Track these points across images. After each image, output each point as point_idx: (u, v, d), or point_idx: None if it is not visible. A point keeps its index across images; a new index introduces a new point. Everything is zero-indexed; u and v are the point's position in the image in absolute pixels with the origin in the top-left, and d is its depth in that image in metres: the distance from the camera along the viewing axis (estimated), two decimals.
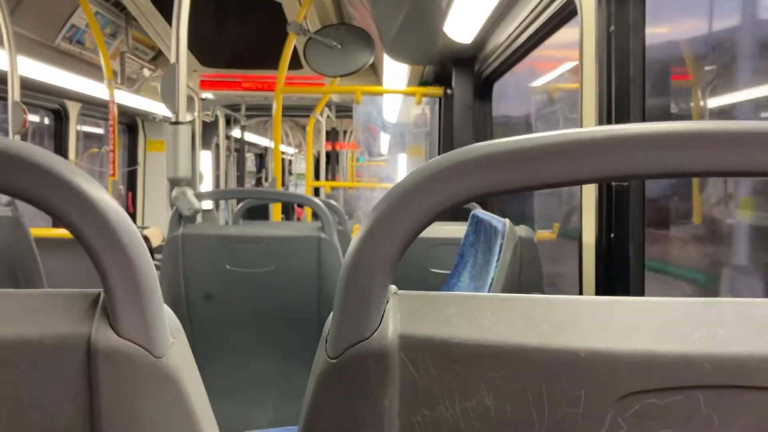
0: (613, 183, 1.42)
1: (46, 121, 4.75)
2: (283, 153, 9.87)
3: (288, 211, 6.87)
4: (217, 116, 5.77)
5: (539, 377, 0.45)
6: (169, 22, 2.28)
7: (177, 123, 2.04)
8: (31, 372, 0.46)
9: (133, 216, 5.89)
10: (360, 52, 3.29)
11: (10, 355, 0.46)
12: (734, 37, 2.11)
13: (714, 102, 2.24)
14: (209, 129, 5.84)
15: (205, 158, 6.07)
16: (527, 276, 1.56)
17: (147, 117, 5.74)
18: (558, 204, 3.32)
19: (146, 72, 4.78)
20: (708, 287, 2.25)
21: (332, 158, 9.60)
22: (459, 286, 1.85)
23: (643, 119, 1.45)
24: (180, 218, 2.08)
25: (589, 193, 1.48)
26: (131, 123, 5.82)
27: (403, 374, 0.45)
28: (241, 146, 6.78)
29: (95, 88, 4.34)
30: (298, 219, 6.89)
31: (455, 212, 2.88)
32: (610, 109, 1.44)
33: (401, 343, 0.45)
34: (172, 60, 2.04)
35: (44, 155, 0.45)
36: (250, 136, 8.60)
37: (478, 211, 1.90)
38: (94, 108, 4.77)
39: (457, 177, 0.44)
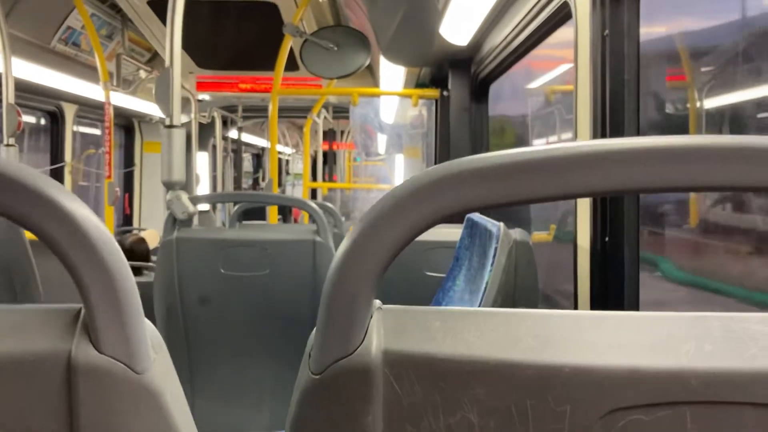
0: None
1: (42, 122, 4.74)
2: (280, 153, 9.87)
3: (285, 212, 6.87)
4: (213, 117, 5.77)
5: (524, 393, 0.44)
6: (165, 24, 2.27)
7: (171, 126, 2.04)
8: (10, 389, 0.45)
9: (129, 218, 5.88)
10: (356, 53, 3.29)
11: None
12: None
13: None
14: (206, 130, 5.83)
15: (202, 160, 6.06)
16: (522, 279, 1.56)
17: (143, 118, 5.73)
18: (554, 205, 3.32)
19: (142, 74, 4.77)
20: None
21: (329, 159, 9.60)
22: (454, 289, 1.84)
23: (638, 123, 1.45)
24: (174, 222, 2.08)
25: (584, 198, 1.48)
26: (128, 124, 5.81)
27: (386, 390, 0.45)
28: (238, 147, 6.77)
29: (91, 90, 4.33)
30: (295, 220, 6.89)
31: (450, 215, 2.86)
32: (605, 113, 1.44)
33: (385, 359, 0.45)
34: (167, 63, 2.03)
35: (22, 170, 0.44)
36: (247, 137, 8.59)
37: (473, 215, 1.90)
38: (90, 110, 4.76)
39: (444, 191, 0.44)
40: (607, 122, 1.44)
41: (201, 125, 5.38)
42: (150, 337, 0.49)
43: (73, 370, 0.45)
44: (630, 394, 0.44)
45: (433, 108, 3.57)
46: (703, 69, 2.37)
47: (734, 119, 2.16)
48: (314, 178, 7.02)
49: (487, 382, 0.44)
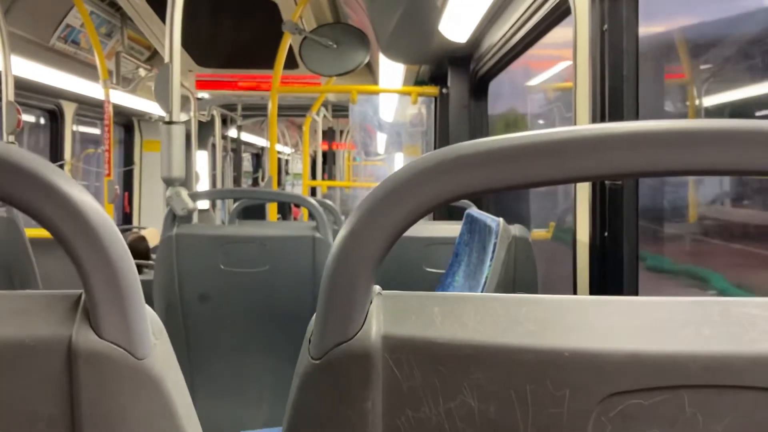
0: (607, 182, 1.42)
1: (42, 121, 4.74)
2: (279, 153, 9.87)
3: (284, 211, 6.86)
4: (213, 116, 5.77)
5: (523, 377, 0.44)
6: (164, 22, 2.27)
7: (171, 123, 2.04)
8: (10, 374, 0.46)
9: (129, 216, 5.88)
10: (355, 51, 3.28)
11: None
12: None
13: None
14: (205, 129, 5.83)
15: (202, 158, 6.06)
16: (522, 275, 1.56)
17: (143, 117, 5.73)
18: (553, 203, 3.32)
19: (142, 72, 4.77)
20: None
21: (329, 158, 9.60)
22: (454, 285, 1.84)
23: (637, 117, 1.45)
24: (174, 218, 2.08)
25: (584, 192, 1.48)
26: (127, 123, 5.81)
27: (386, 375, 0.45)
28: (237, 146, 6.77)
29: (91, 88, 4.33)
30: (295, 218, 6.89)
31: (450, 211, 2.88)
32: (604, 108, 1.44)
33: (384, 344, 0.45)
34: (166, 59, 2.03)
35: (24, 156, 0.44)
36: (246, 136, 8.58)
37: (473, 210, 1.90)
38: (89, 108, 4.76)
39: (442, 176, 0.44)
40: (607, 118, 1.44)
41: (200, 124, 5.38)
42: (151, 322, 0.49)
43: (73, 355, 0.45)
44: (629, 378, 0.44)
45: (433, 106, 3.57)
46: (702, 67, 2.37)
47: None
48: (313, 177, 7.03)
49: (487, 366, 0.44)
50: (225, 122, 6.33)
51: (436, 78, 3.52)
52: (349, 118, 6.68)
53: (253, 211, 4.16)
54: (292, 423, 0.48)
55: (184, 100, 4.44)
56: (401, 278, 2.11)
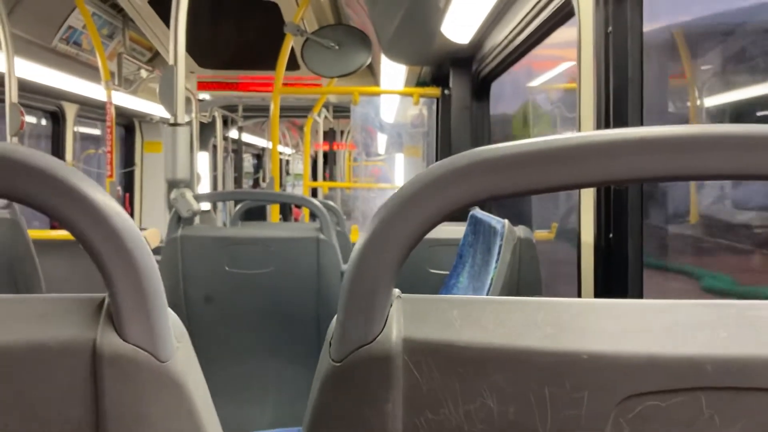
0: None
1: (43, 122, 4.74)
2: (280, 153, 9.87)
3: (286, 212, 6.87)
4: (214, 117, 5.77)
5: (542, 379, 0.45)
6: (166, 24, 2.27)
7: (175, 125, 2.04)
8: (37, 376, 0.46)
9: (130, 217, 5.87)
10: (357, 52, 3.29)
11: (16, 360, 0.46)
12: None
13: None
14: (206, 130, 5.83)
15: (203, 159, 6.07)
16: (526, 276, 1.57)
17: (144, 118, 5.73)
18: (555, 204, 3.33)
19: (143, 73, 4.78)
20: None
21: (329, 158, 9.60)
22: (458, 286, 1.85)
23: (641, 120, 1.45)
24: (179, 220, 2.08)
25: (588, 194, 1.49)
26: (128, 124, 5.81)
27: (406, 377, 0.45)
28: (238, 147, 6.77)
29: (92, 90, 4.34)
30: (296, 220, 6.89)
31: (456, 212, 2.86)
32: (608, 110, 1.45)
33: (405, 347, 0.46)
34: (171, 62, 2.04)
35: (50, 161, 0.45)
36: (247, 137, 8.59)
37: (477, 212, 1.91)
38: (91, 109, 4.76)
39: (459, 181, 0.44)
40: (611, 120, 1.44)
41: (201, 125, 5.38)
42: (173, 325, 0.50)
43: (98, 357, 0.46)
44: (646, 380, 0.44)
45: (434, 107, 3.57)
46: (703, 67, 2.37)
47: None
48: (314, 178, 7.02)
49: (506, 369, 0.45)
50: (226, 123, 6.34)
51: (438, 79, 3.53)
52: (351, 119, 6.69)
53: (255, 212, 4.17)
54: (313, 423, 0.49)
55: (186, 102, 4.44)
56: (405, 279, 2.11)
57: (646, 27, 1.45)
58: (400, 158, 7.17)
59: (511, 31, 2.28)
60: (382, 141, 8.33)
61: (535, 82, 3.87)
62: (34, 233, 2.47)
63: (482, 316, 0.47)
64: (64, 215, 0.45)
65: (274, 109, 3.53)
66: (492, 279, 1.48)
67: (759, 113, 2.07)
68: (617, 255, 1.44)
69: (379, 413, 0.46)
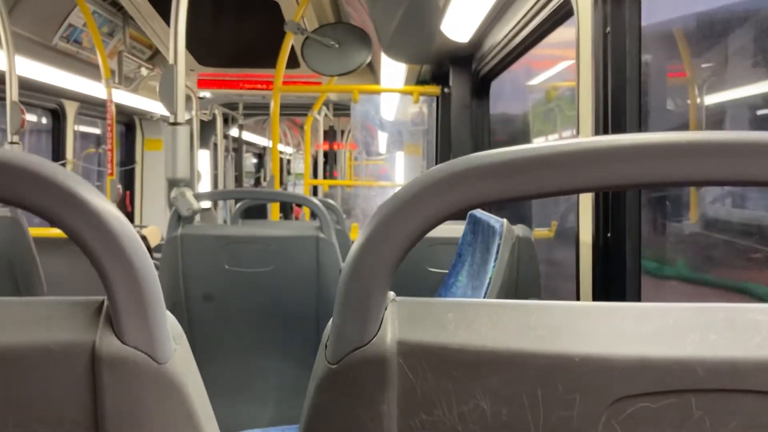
0: None
1: (44, 120, 4.75)
2: (281, 153, 9.87)
3: (286, 210, 6.87)
4: (214, 115, 5.77)
5: (535, 381, 0.45)
6: (166, 22, 2.27)
7: (175, 123, 2.05)
8: (37, 378, 0.47)
9: (130, 215, 5.89)
10: (357, 51, 3.29)
11: (16, 362, 0.47)
12: None
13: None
14: (207, 128, 5.84)
15: (203, 157, 6.08)
16: (524, 275, 1.57)
17: (144, 116, 5.74)
18: (555, 203, 3.33)
19: (144, 71, 4.78)
20: None
21: (330, 157, 9.60)
22: (457, 285, 1.85)
23: (640, 120, 1.46)
24: (179, 218, 2.09)
25: (586, 194, 1.49)
26: (129, 122, 5.82)
27: (401, 379, 0.46)
28: (239, 145, 6.78)
29: (93, 88, 4.34)
30: (296, 218, 6.89)
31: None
32: (607, 110, 1.45)
33: (399, 349, 0.46)
34: (171, 61, 2.04)
35: (48, 166, 0.46)
36: (248, 136, 8.59)
37: (476, 211, 1.91)
38: (91, 107, 4.77)
39: (456, 186, 0.45)
40: (609, 119, 1.45)
41: (202, 123, 5.39)
42: (171, 327, 0.51)
43: (97, 360, 0.47)
44: (637, 382, 0.45)
45: (434, 105, 3.58)
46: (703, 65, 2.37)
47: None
48: (315, 177, 7.03)
49: (499, 371, 0.46)
50: (227, 121, 6.34)
51: (438, 77, 3.53)
52: (351, 117, 6.69)
53: (255, 211, 4.17)
54: (309, 424, 0.49)
55: (186, 100, 4.44)
56: (404, 279, 2.11)
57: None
58: (400, 156, 7.18)
59: (510, 30, 2.28)
60: (382, 139, 8.34)
61: (535, 81, 3.87)
62: (34, 231, 2.47)
63: (476, 319, 0.48)
64: (63, 220, 0.46)
65: (275, 107, 3.53)
66: (490, 278, 1.49)
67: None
68: (615, 254, 1.44)
69: (374, 415, 0.46)
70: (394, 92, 4.44)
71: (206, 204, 2.43)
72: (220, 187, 6.40)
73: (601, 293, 1.47)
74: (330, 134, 8.24)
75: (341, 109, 6.05)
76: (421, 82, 3.89)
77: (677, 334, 0.47)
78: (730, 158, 0.43)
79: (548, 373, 0.45)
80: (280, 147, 9.18)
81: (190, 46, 2.21)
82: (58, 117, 4.54)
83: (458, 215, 0.47)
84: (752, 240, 1.99)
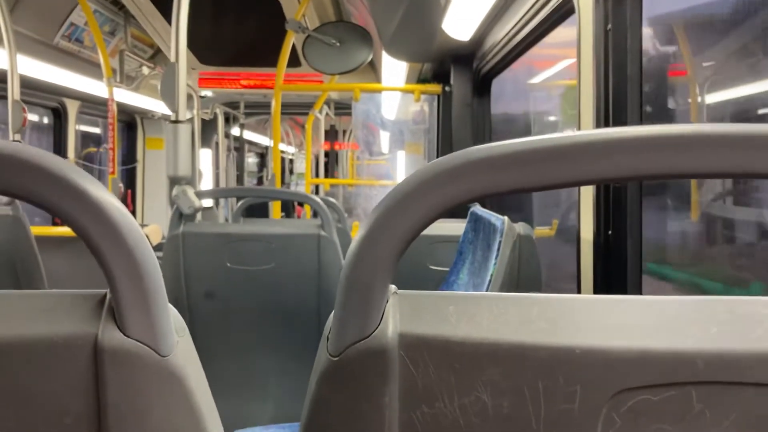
0: None
1: (45, 120, 4.75)
2: (283, 152, 9.87)
3: (288, 209, 6.87)
4: (216, 114, 5.78)
5: (536, 374, 0.46)
6: (168, 20, 2.27)
7: (177, 122, 2.05)
8: (39, 371, 0.47)
9: (132, 214, 5.88)
10: (359, 49, 3.29)
11: (19, 354, 0.47)
12: None
13: None
14: (208, 127, 5.84)
15: (205, 156, 6.08)
16: (526, 272, 1.58)
17: (146, 115, 5.74)
18: (556, 201, 3.33)
19: (145, 70, 4.79)
20: None
21: (331, 156, 9.60)
22: (458, 283, 1.86)
23: (641, 117, 1.46)
24: (180, 217, 2.09)
25: (587, 191, 1.49)
26: (130, 120, 5.83)
27: (402, 372, 0.46)
28: (240, 144, 6.78)
29: (94, 86, 4.35)
30: (298, 217, 6.90)
31: (454, 209, 2.87)
32: (608, 108, 1.45)
33: (401, 342, 0.46)
34: (172, 59, 2.05)
35: (51, 159, 0.46)
36: (251, 136, 8.60)
37: (477, 209, 1.91)
38: (93, 106, 4.77)
39: (457, 179, 0.45)
40: (611, 117, 1.45)
41: (203, 122, 5.39)
42: (174, 320, 0.51)
43: (99, 352, 0.47)
44: (638, 375, 0.45)
45: (435, 103, 3.57)
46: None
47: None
48: (317, 176, 7.03)
49: (500, 363, 0.46)
50: (228, 120, 6.34)
51: (439, 76, 3.53)
52: (353, 116, 6.69)
53: (257, 209, 4.17)
54: (311, 417, 0.50)
55: (188, 98, 4.44)
56: (405, 276, 2.12)
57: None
58: (401, 155, 7.18)
59: (512, 29, 2.28)
60: (384, 138, 8.34)
61: (536, 80, 3.87)
62: (36, 230, 2.48)
63: (477, 312, 0.48)
64: (66, 212, 0.46)
65: (276, 106, 3.54)
66: (492, 276, 1.49)
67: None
68: (616, 251, 1.44)
69: (375, 407, 0.47)
70: (395, 91, 4.44)
71: (208, 202, 2.44)
72: (222, 186, 6.40)
73: (602, 291, 1.47)
74: (331, 134, 8.24)
75: (342, 107, 6.05)
76: (422, 80, 3.89)
77: (678, 326, 0.47)
78: (734, 150, 0.43)
79: (549, 365, 0.45)
80: (283, 147, 9.18)
81: (191, 45, 2.21)
82: (59, 116, 4.55)
83: (459, 208, 0.48)
84: None
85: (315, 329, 2.11)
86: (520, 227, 1.58)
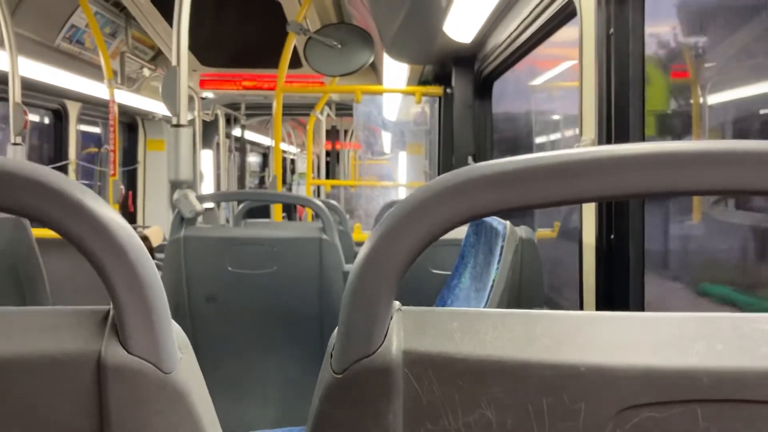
0: None
1: (46, 120, 4.75)
2: (285, 152, 9.86)
3: (290, 210, 6.87)
4: (217, 115, 5.78)
5: (540, 391, 0.45)
6: (168, 22, 2.27)
7: (178, 125, 2.05)
8: (43, 387, 0.47)
9: (133, 215, 5.89)
10: (360, 51, 3.29)
11: (22, 371, 0.47)
12: None
13: None
14: (210, 128, 5.84)
15: (206, 157, 6.08)
16: (528, 276, 1.57)
17: (147, 116, 5.74)
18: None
19: (146, 71, 4.78)
20: None
21: (332, 157, 9.60)
22: (460, 287, 1.85)
23: (643, 121, 1.45)
24: (182, 220, 2.09)
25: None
26: (131, 122, 5.83)
27: (407, 389, 0.46)
28: (241, 145, 6.78)
29: (95, 88, 4.35)
30: (300, 218, 6.89)
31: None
32: (610, 111, 1.45)
33: (405, 359, 0.46)
34: (173, 62, 2.04)
35: (51, 176, 0.45)
36: (253, 136, 8.60)
37: None
38: (94, 108, 4.77)
39: (460, 196, 0.45)
40: (612, 120, 1.45)
41: (204, 123, 5.39)
42: (176, 336, 0.51)
43: (102, 369, 0.47)
44: (643, 392, 0.45)
45: (436, 105, 3.57)
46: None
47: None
48: (318, 176, 7.03)
49: (505, 381, 0.45)
50: (229, 122, 6.34)
51: (440, 78, 3.53)
52: (354, 118, 6.69)
53: (258, 211, 4.17)
54: None
55: (189, 100, 4.44)
56: (406, 281, 2.11)
57: None
58: (402, 156, 7.18)
59: (513, 31, 2.28)
60: (387, 140, 8.34)
61: (537, 81, 3.87)
62: (37, 232, 2.48)
63: (481, 328, 0.48)
64: (68, 229, 0.46)
65: (277, 108, 3.54)
66: (494, 280, 1.48)
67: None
68: (618, 256, 1.44)
69: (379, 424, 0.46)
70: (396, 92, 4.44)
71: (209, 204, 2.44)
72: (223, 186, 6.40)
73: (604, 296, 1.47)
74: (332, 134, 8.25)
75: (344, 109, 6.05)
76: (423, 82, 3.89)
77: (683, 343, 0.46)
78: (736, 167, 0.43)
79: (554, 382, 0.45)
80: (285, 147, 9.18)
81: (192, 47, 2.21)
82: (60, 117, 4.55)
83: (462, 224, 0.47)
84: None
85: (317, 332, 2.10)
86: (522, 231, 1.57)
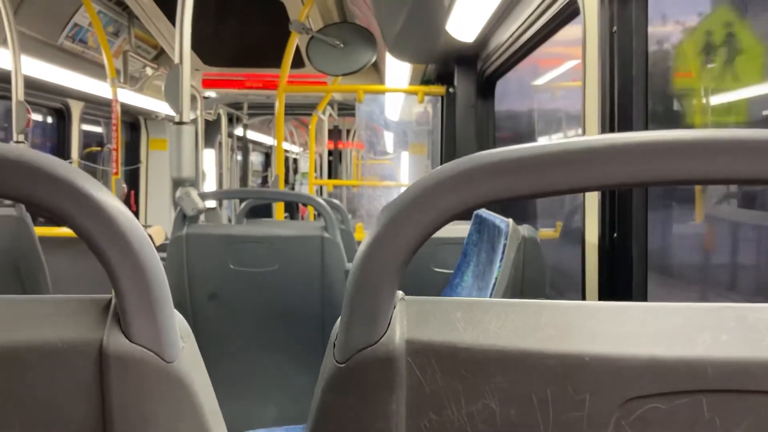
0: None
1: (49, 119, 4.76)
2: (288, 152, 9.86)
3: (292, 209, 6.87)
4: (219, 115, 5.78)
5: (544, 381, 0.45)
6: (171, 21, 2.27)
7: (180, 123, 2.05)
8: (45, 376, 0.47)
9: (135, 214, 5.88)
10: (362, 50, 3.29)
11: (24, 360, 0.47)
12: None
13: None
14: (212, 127, 5.84)
15: (209, 157, 6.08)
16: (530, 275, 1.57)
17: (149, 115, 5.75)
18: (560, 202, 3.32)
19: (149, 70, 4.79)
20: None
21: (335, 156, 9.58)
22: (462, 285, 1.85)
23: (646, 120, 1.45)
24: (184, 218, 2.09)
25: (592, 194, 1.49)
26: (134, 121, 5.83)
27: (410, 379, 0.46)
28: (243, 144, 6.78)
29: (98, 87, 4.35)
30: (302, 217, 6.89)
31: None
32: (613, 109, 1.45)
33: (408, 348, 0.46)
34: (176, 61, 2.04)
35: (56, 163, 0.45)
36: (256, 135, 8.60)
37: (481, 211, 1.91)
38: (96, 106, 4.78)
39: (463, 184, 0.45)
40: (616, 119, 1.44)
41: (207, 122, 5.39)
42: (179, 326, 0.50)
43: (104, 358, 0.47)
44: (648, 382, 0.45)
45: (438, 105, 3.57)
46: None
47: None
48: (321, 176, 7.03)
49: (509, 370, 0.45)
50: (231, 121, 6.35)
51: (443, 77, 3.52)
52: (356, 117, 6.69)
53: (260, 210, 4.17)
54: (317, 424, 0.49)
55: (191, 99, 4.44)
56: (409, 279, 2.11)
57: None
58: (405, 156, 7.18)
59: (516, 30, 2.28)
60: (389, 139, 8.34)
61: (540, 81, 3.87)
62: (40, 230, 2.48)
63: (485, 318, 0.47)
64: (72, 218, 0.45)
65: (279, 107, 3.54)
66: (496, 278, 1.48)
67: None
68: (621, 254, 1.44)
69: (382, 414, 0.46)
70: (398, 92, 4.44)
71: (211, 203, 2.44)
72: (225, 186, 6.40)
73: (607, 294, 1.47)
74: (335, 134, 8.24)
75: (346, 108, 6.06)
76: (425, 81, 3.89)
77: (688, 334, 0.46)
78: (738, 156, 0.43)
79: (558, 373, 0.45)
80: (287, 146, 9.18)
81: (195, 46, 2.21)
82: (63, 116, 4.56)
83: (465, 214, 0.47)
84: None
85: (319, 330, 2.10)
86: (525, 230, 1.57)
